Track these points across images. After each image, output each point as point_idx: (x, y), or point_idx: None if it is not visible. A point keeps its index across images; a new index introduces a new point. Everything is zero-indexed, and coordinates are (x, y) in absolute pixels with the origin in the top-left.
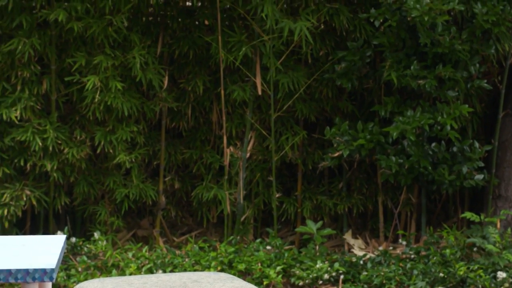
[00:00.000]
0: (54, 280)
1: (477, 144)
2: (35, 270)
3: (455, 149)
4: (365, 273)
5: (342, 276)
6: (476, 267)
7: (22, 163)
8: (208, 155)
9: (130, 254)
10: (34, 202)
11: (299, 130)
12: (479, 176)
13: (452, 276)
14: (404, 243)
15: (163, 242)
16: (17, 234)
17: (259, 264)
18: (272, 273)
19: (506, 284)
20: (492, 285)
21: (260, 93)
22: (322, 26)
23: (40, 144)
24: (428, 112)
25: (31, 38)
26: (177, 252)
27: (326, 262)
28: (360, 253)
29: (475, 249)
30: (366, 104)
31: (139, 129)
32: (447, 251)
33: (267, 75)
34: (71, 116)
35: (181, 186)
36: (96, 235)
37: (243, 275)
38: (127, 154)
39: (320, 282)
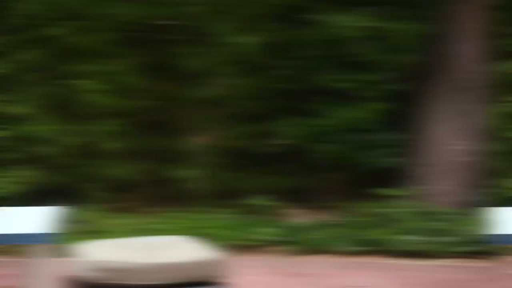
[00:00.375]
0: (53, 243)
1: (389, 134)
2: (38, 234)
3: (371, 138)
4: (302, 236)
5: (284, 239)
6: (388, 231)
7: (27, 150)
8: (177, 143)
9: (114, 222)
10: (38, 181)
11: (248, 123)
12: (390, 160)
13: (369, 240)
14: (334, 212)
15: (141, 212)
16: (23, 206)
17: (218, 229)
18: (228, 236)
19: (413, 244)
20: (401, 245)
21: (217, 94)
22: (267, 40)
23: (43, 134)
24: (349, 109)
25: (35, 50)
26: (152, 220)
27: (272, 228)
28: (299, 221)
29: (387, 217)
30: (302, 103)
31: (122, 123)
32: (364, 219)
33: (224, 79)
34: (68, 112)
35: (155, 167)
36: (88, 206)
37: (205, 238)
38: (113, 142)
39: (266, 243)
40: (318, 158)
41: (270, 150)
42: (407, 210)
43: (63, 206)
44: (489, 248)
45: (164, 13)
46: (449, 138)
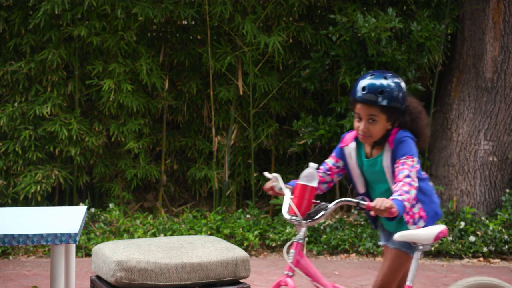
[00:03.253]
0: (77, 242)
1: None
2: (62, 234)
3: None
4: (324, 236)
5: (306, 239)
6: None
7: (51, 149)
8: (200, 142)
9: (138, 221)
10: (61, 180)
11: (272, 123)
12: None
13: None
14: (356, 212)
15: (164, 212)
16: (47, 205)
17: (241, 229)
18: (251, 236)
19: (436, 245)
20: None
21: (241, 93)
22: (291, 40)
23: (66, 134)
24: None
25: (59, 50)
26: (175, 219)
27: (294, 228)
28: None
29: None
30: (326, 102)
31: (145, 122)
32: None
33: (247, 79)
34: (90, 112)
35: (178, 167)
36: (111, 206)
37: (228, 238)
38: (135, 142)
39: (289, 243)
40: None
41: (294, 149)
42: None
43: (86, 206)
44: None
45: (188, 12)
46: (474, 138)
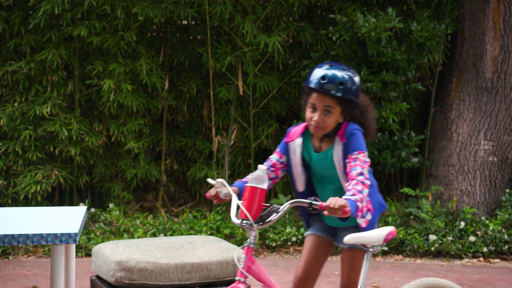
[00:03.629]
0: (77, 242)
1: (413, 134)
2: (62, 234)
3: (396, 138)
4: None
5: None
6: (412, 231)
7: (51, 149)
8: (200, 142)
9: (138, 221)
10: (61, 180)
11: (272, 123)
12: (414, 159)
13: (393, 239)
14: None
15: (164, 212)
16: (47, 205)
17: (241, 229)
18: None
19: (436, 245)
20: (425, 245)
21: (241, 93)
22: (291, 40)
23: (66, 134)
24: (375, 109)
25: (59, 49)
26: (175, 219)
27: (294, 228)
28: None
29: (411, 217)
30: None
31: (145, 122)
32: (390, 218)
33: (247, 79)
34: (91, 112)
35: (178, 167)
36: (111, 206)
37: (228, 238)
38: (135, 142)
39: (289, 243)
40: None
41: None
42: (431, 210)
43: (86, 206)
44: None
45: (188, 12)
46: (474, 138)
